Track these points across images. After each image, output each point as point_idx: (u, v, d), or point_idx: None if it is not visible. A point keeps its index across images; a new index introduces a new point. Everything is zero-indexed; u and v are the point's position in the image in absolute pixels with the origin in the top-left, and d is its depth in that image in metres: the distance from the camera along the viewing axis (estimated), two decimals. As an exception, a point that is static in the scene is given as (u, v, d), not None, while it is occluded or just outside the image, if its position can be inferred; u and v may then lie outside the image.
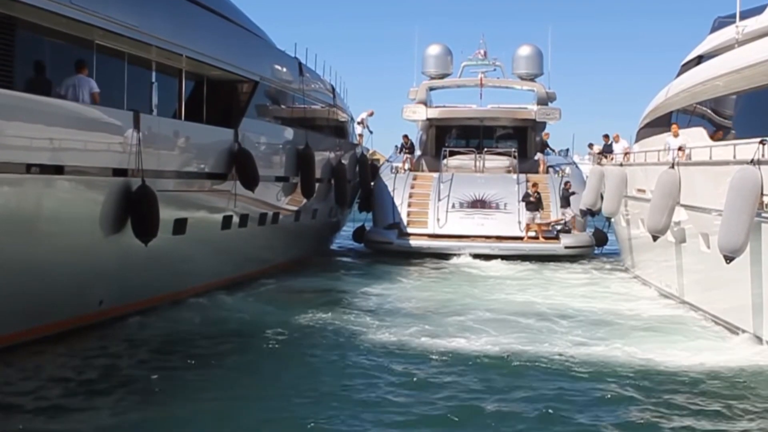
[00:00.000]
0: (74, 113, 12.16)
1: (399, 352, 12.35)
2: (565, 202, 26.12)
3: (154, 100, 15.44)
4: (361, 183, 28.31)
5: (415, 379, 10.81)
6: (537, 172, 29.32)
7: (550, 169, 29.43)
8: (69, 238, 12.37)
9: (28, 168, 11.13)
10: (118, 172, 13.13)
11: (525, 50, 34.31)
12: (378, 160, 31.63)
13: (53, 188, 11.78)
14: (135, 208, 13.32)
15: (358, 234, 28.23)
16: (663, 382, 10.73)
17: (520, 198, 26.05)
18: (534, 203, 25.54)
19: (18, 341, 11.66)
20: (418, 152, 32.77)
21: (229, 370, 11.32)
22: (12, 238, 11.08)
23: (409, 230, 26.03)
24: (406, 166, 29.91)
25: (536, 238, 25.46)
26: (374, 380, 10.75)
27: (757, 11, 16.74)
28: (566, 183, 26.75)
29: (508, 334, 13.68)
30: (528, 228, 25.58)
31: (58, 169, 11.70)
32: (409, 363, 11.63)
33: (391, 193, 27.27)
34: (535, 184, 26.20)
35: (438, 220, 26.15)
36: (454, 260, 24.36)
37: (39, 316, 12.13)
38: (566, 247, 25.21)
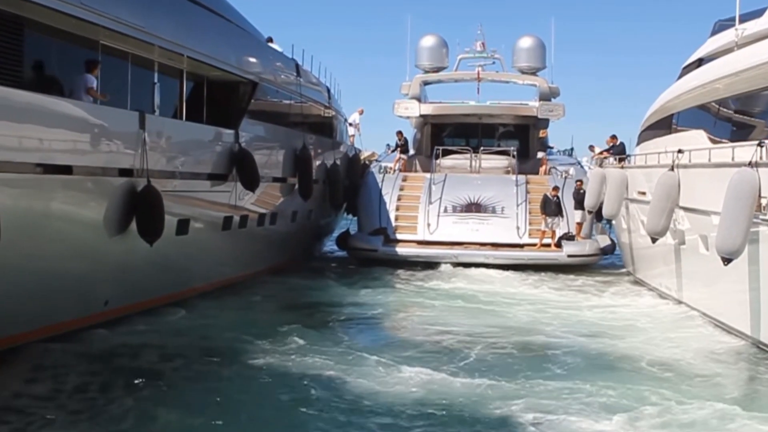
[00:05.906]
0: (80, 113, 12.17)
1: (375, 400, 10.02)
2: (579, 205, 23.69)
3: (157, 100, 15.43)
4: (351, 183, 26.74)
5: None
6: (538, 172, 27.59)
7: (553, 170, 27.25)
8: (75, 238, 12.39)
9: (34, 168, 11.13)
10: (124, 173, 13.17)
11: (526, 42, 31.43)
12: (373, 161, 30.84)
13: (59, 188, 11.77)
14: (140, 208, 13.36)
15: (342, 240, 25.48)
16: None
17: (540, 202, 23.61)
18: (557, 209, 23.57)
19: (23, 342, 11.66)
20: (411, 151, 30.74)
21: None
22: (18, 238, 11.00)
23: (397, 236, 23.83)
24: (397, 166, 27.72)
25: (548, 245, 23.33)
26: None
27: (757, 14, 16.79)
28: (578, 182, 24.52)
29: (501, 375, 11.08)
30: (544, 235, 23.42)
31: (65, 169, 11.71)
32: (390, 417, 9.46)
33: (378, 196, 25.12)
34: (555, 188, 24.01)
35: (428, 225, 23.89)
36: (447, 268, 22.39)
37: (45, 317, 12.14)
38: (569, 256, 22.86)
